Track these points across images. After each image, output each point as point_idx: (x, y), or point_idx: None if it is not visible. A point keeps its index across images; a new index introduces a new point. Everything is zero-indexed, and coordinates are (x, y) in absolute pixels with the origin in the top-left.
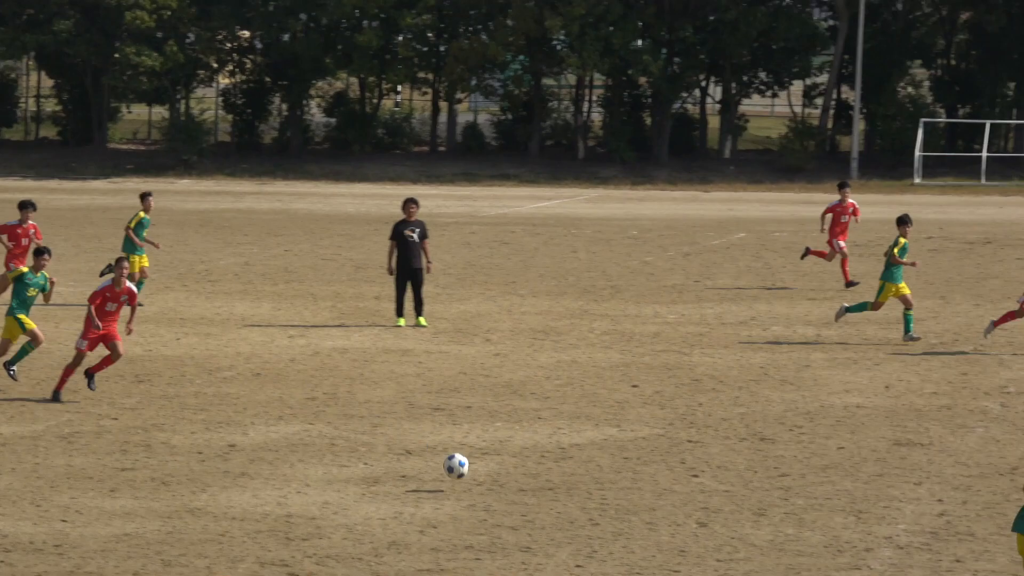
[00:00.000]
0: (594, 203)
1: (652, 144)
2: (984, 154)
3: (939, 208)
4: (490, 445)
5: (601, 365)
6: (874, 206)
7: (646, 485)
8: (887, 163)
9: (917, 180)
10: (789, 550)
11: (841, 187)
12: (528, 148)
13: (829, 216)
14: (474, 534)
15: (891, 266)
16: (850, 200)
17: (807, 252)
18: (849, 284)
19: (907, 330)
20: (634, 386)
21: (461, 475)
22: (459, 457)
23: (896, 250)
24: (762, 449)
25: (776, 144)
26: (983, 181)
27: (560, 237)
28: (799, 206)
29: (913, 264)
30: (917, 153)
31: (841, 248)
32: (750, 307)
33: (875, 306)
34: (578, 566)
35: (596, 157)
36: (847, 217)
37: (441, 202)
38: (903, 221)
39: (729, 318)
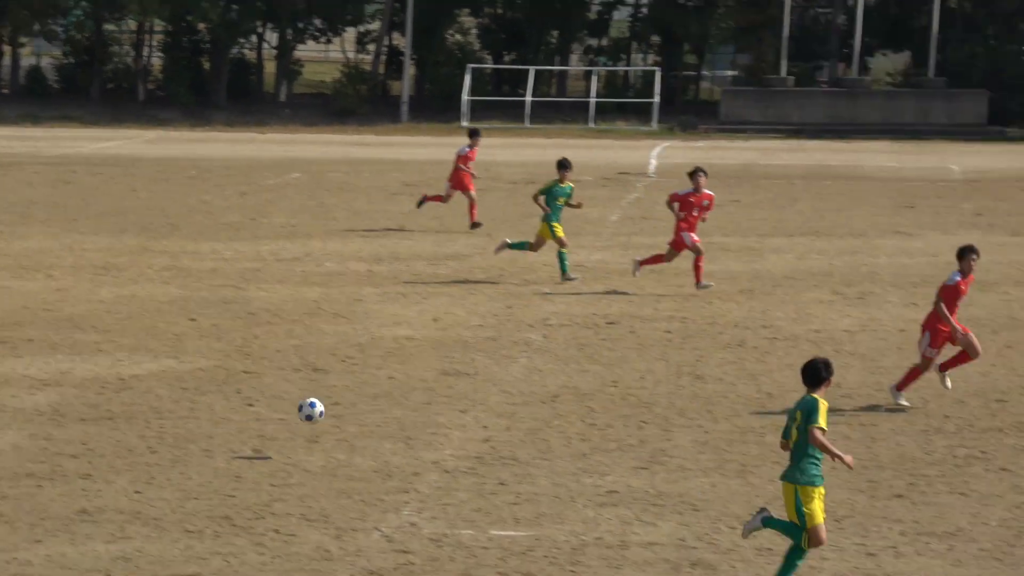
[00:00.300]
0: (154, 144)
1: (211, 88)
2: (528, 98)
3: (486, 150)
4: (51, 377)
5: (160, 299)
6: (424, 148)
7: (203, 414)
8: (436, 107)
9: (465, 123)
10: (341, 475)
11: (472, 135)
12: (90, 91)
13: (463, 164)
14: (35, 462)
15: (553, 208)
16: (476, 149)
17: (424, 200)
18: (474, 225)
19: (563, 269)
20: (192, 320)
21: (312, 416)
22: (312, 410)
23: (541, 190)
24: (315, 379)
25: (330, 88)
26: (527, 124)
27: (120, 177)
28: (352, 147)
29: (547, 209)
30: (464, 97)
31: (448, 194)
32: (304, 244)
33: (560, 243)
34: (137, 492)
35: (156, 100)
36: (471, 163)
37: (4, 143)
38: (562, 166)
39: (284, 254)
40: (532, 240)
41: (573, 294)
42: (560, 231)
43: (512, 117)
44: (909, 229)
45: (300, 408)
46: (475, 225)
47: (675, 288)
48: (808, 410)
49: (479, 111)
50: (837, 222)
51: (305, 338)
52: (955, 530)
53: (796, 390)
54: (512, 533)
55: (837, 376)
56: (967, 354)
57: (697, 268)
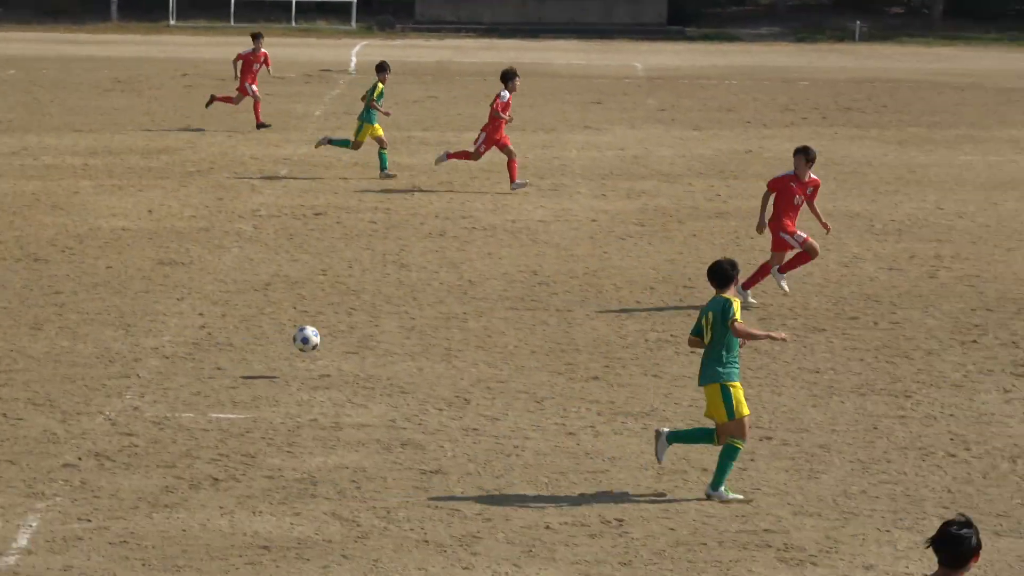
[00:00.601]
0: None
1: None
2: None
3: (193, 48)
4: None
5: None
6: (134, 46)
7: None
8: (145, 6)
9: (172, 22)
10: (65, 361)
11: (255, 38)
12: None
13: (240, 63)
14: None
15: (368, 109)
16: (263, 51)
17: (212, 99)
18: (261, 125)
19: (383, 167)
20: None
21: (309, 344)
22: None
23: (375, 95)
24: (37, 269)
25: None
26: (232, 23)
27: None
28: (64, 45)
29: (387, 113)
30: None
31: (254, 92)
32: (21, 139)
33: (355, 145)
34: None
35: None
36: (259, 65)
37: None
38: (381, 68)
39: (2, 148)
40: (381, 140)
41: (281, 186)
42: (367, 134)
43: (217, 16)
44: (597, 124)
45: (295, 339)
46: (208, 105)
47: (378, 181)
48: (721, 310)
49: (185, 10)
50: (529, 117)
51: (25, 229)
52: (649, 410)
53: (495, 277)
54: (231, 416)
55: (533, 264)
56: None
57: (462, 155)
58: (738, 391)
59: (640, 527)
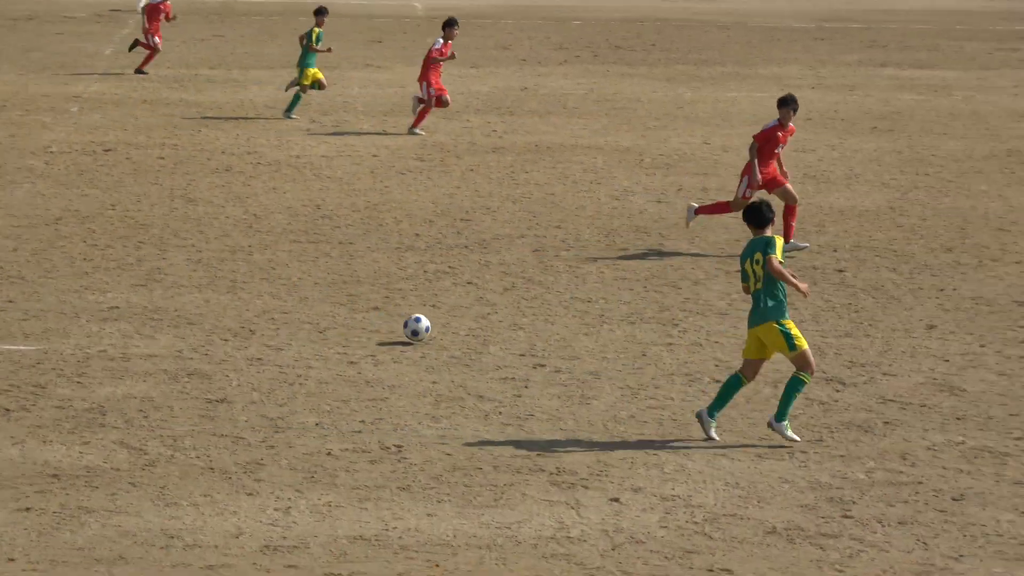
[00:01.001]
0: None
1: None
2: None
3: None
4: None
5: None
6: None
7: None
8: None
9: None
10: None
11: None
12: None
13: (145, 14)
14: None
15: (306, 53)
16: (169, 2)
17: (135, 44)
18: (140, 71)
19: (290, 108)
20: None
21: (418, 331)
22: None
23: (314, 39)
24: None
25: None
26: None
27: None
28: None
29: (328, 50)
30: None
31: (156, 43)
32: None
33: (303, 89)
34: None
35: None
36: (162, 15)
37: None
38: (319, 12)
39: None
40: (320, 83)
41: (72, 123)
42: (310, 77)
43: None
44: (378, 62)
45: (415, 328)
46: (140, 72)
47: (165, 117)
48: (765, 246)
49: None
50: None
51: None
52: (428, 339)
53: (279, 211)
54: (21, 347)
55: (316, 198)
56: (727, 205)
57: (422, 115)
58: (793, 326)
59: (418, 453)
